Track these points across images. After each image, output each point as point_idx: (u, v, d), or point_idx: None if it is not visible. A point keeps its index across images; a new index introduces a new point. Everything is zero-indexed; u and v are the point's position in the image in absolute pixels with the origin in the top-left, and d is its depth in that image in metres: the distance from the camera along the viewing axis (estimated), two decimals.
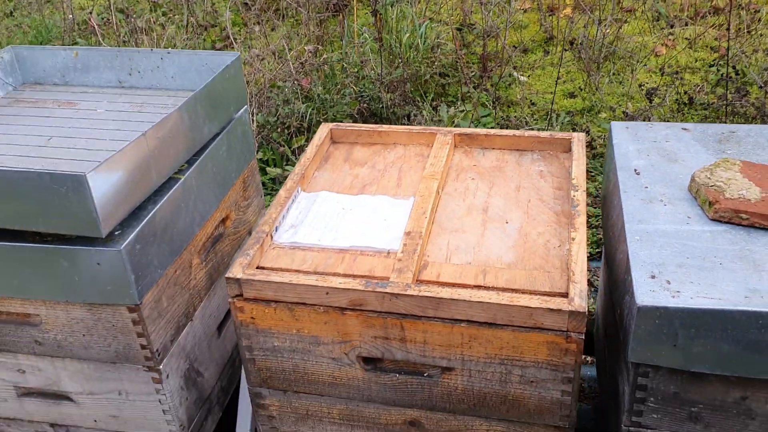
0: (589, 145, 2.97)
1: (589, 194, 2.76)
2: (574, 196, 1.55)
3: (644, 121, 3.00)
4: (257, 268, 1.44)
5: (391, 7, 3.47)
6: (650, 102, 3.09)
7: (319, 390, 1.50)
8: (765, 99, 2.79)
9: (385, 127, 1.88)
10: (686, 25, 3.63)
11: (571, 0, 3.74)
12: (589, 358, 2.24)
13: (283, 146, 2.99)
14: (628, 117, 3.07)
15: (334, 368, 1.45)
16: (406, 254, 1.42)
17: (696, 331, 1.21)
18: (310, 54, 3.23)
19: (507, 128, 3.11)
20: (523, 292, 1.33)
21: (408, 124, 3.11)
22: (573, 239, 1.42)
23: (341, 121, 3.06)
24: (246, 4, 3.98)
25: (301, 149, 2.98)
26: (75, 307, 1.51)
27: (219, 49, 3.78)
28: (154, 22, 3.91)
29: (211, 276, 1.80)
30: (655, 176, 1.54)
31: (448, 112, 3.14)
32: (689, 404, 1.31)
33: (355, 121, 3.08)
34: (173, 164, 1.60)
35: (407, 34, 3.31)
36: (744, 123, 2.85)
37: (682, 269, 1.27)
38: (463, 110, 3.17)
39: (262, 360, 1.48)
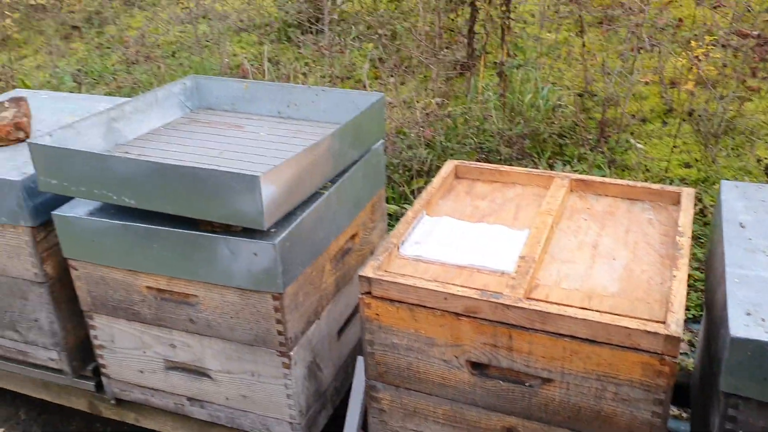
0: (701, 213, 3.04)
1: (696, 259, 2.83)
2: (678, 240, 1.69)
3: None
4: (385, 271, 1.66)
5: (516, 69, 3.71)
6: None
7: (428, 389, 1.68)
8: None
9: (506, 168, 2.08)
10: None
11: (694, 75, 3.84)
12: (684, 414, 2.30)
13: (403, 186, 3.24)
14: None
15: (444, 369, 1.63)
16: (519, 275, 1.60)
17: None
18: (436, 106, 3.49)
19: None
20: (623, 316, 1.47)
21: None
22: (675, 277, 1.55)
23: None
24: (381, 59, 4.33)
25: (420, 190, 3.22)
26: (229, 291, 1.78)
27: None
28: (298, 71, 4.32)
29: (338, 283, 2.04)
30: (760, 231, 1.65)
31: (563, 170, 3.30)
32: None
33: None
34: (320, 181, 1.86)
35: (529, 95, 3.52)
36: None
37: None
38: (578, 170, 3.32)
39: (381, 355, 1.68)
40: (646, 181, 3.31)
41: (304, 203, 1.81)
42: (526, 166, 3.31)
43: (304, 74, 4.33)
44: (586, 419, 1.54)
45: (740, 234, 1.64)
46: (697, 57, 3.70)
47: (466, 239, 1.79)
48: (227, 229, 1.73)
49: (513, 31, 4.05)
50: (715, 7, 4.76)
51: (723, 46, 4.02)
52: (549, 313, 1.47)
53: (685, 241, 1.68)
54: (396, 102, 3.71)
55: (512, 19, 3.68)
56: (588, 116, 3.70)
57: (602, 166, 3.34)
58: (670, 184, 3.21)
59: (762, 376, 1.33)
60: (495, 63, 4.14)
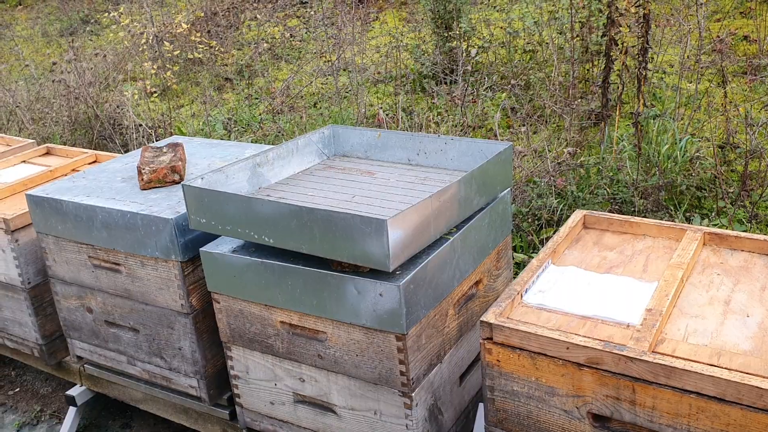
0: None
1: None
2: None
3: None
4: (507, 318, 1.68)
5: (653, 119, 3.63)
6: None
7: None
8: None
9: (636, 219, 2.05)
10: None
11: None
12: None
13: (532, 235, 3.24)
14: None
15: (564, 420, 1.62)
16: (645, 327, 1.57)
17: None
18: (568, 155, 3.48)
19: None
20: (755, 375, 1.41)
21: None
22: None
23: None
24: (513, 109, 4.38)
25: (549, 240, 3.20)
26: (355, 329, 1.86)
27: None
28: (430, 120, 4.45)
29: (461, 328, 2.07)
30: None
31: (701, 223, 3.17)
32: None
33: None
34: (446, 226, 1.92)
35: (666, 146, 3.43)
36: None
37: None
38: (717, 224, 3.18)
39: (501, 401, 1.70)
40: None
41: (429, 248, 1.88)
42: (661, 219, 3.21)
43: (436, 123, 4.46)
44: None
45: None
46: None
47: (591, 290, 1.78)
48: (356, 270, 1.83)
49: (651, 81, 3.97)
50: None
51: None
52: (674, 367, 1.43)
53: None
54: (527, 151, 3.73)
55: (649, 70, 3.62)
56: (729, 169, 3.54)
57: (744, 221, 3.18)
58: None
59: None
60: (631, 113, 4.06)
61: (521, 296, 1.76)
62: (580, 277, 1.84)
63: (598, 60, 4.49)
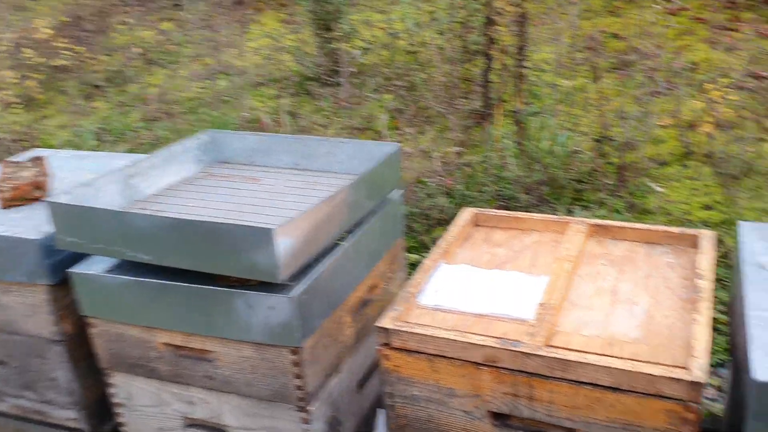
0: (724, 256, 2.99)
1: (722, 303, 2.77)
2: (698, 284, 1.66)
3: None
4: (403, 321, 1.64)
5: (533, 117, 3.73)
6: None
7: None
8: None
9: (523, 214, 2.07)
10: None
11: (711, 117, 3.83)
12: None
13: (424, 236, 3.24)
14: None
15: (465, 421, 1.60)
16: (539, 322, 1.57)
17: None
18: (454, 155, 3.51)
19: None
20: (645, 362, 1.44)
21: None
22: (696, 320, 1.52)
23: None
24: (399, 110, 4.38)
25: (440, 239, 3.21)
26: (245, 346, 1.77)
27: None
28: (316, 123, 4.38)
29: (359, 335, 2.02)
30: None
31: (581, 215, 3.28)
32: None
33: None
34: (338, 231, 1.86)
35: (547, 142, 3.53)
36: None
37: None
38: (598, 215, 3.30)
39: (401, 407, 1.66)
40: (667, 224, 3.27)
41: (321, 255, 1.81)
42: (544, 213, 3.30)
43: (322, 126, 4.39)
44: None
45: (761, 276, 1.61)
46: (713, 100, 3.69)
47: (484, 287, 1.77)
48: (244, 283, 1.73)
49: (528, 79, 4.08)
50: (729, 50, 4.78)
51: (739, 88, 4.02)
52: (569, 360, 1.44)
53: (705, 284, 1.65)
54: (415, 152, 3.73)
55: (527, 68, 3.72)
56: (606, 161, 3.69)
57: (621, 210, 3.32)
58: (692, 227, 3.17)
59: None
60: (512, 111, 4.17)
61: (416, 298, 1.73)
62: (473, 275, 1.83)
63: (478, 60, 4.58)
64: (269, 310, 1.69)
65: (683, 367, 1.41)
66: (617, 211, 3.32)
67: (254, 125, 4.64)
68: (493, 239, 2.02)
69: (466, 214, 2.11)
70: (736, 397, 1.53)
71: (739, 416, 1.47)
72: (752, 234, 1.79)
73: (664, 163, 3.78)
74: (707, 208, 3.36)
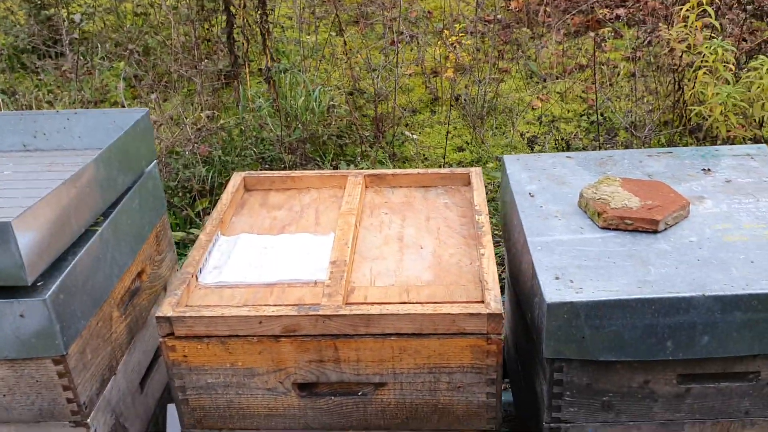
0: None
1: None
2: (478, 219, 1.69)
3: None
4: (186, 306, 1.47)
5: (283, 74, 3.62)
6: (531, 149, 3.36)
7: (255, 424, 1.52)
8: (631, 138, 3.11)
9: (297, 173, 1.97)
10: (557, 80, 3.99)
11: (452, 63, 4.03)
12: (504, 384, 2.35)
13: (186, 210, 3.01)
14: None
15: (269, 399, 1.48)
16: (334, 281, 1.49)
17: (600, 321, 1.35)
18: (206, 120, 3.30)
19: None
20: (444, 302, 1.43)
21: None
22: (483, 255, 1.55)
23: None
24: (136, 77, 4.02)
25: (206, 212, 3.01)
26: None
27: None
28: (41, 100, 3.86)
29: (131, 330, 1.79)
30: (548, 197, 1.71)
31: (348, 169, 3.27)
32: (601, 394, 1.44)
33: None
34: (90, 216, 1.61)
35: (302, 98, 3.45)
36: None
37: (582, 270, 1.42)
38: (362, 167, 3.31)
39: (196, 399, 1.49)
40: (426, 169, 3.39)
41: (74, 246, 1.55)
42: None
43: (49, 102, 3.88)
44: (424, 416, 1.48)
45: (532, 203, 1.69)
46: (452, 45, 3.87)
47: (270, 254, 1.65)
48: None
49: (273, 36, 3.96)
50: None
51: (471, 33, 4.27)
52: (372, 314, 1.39)
53: (484, 219, 1.69)
54: (162, 119, 3.44)
55: (271, 23, 3.58)
56: (362, 114, 3.72)
57: (384, 160, 3.37)
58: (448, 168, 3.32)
59: (580, 335, 1.36)
60: (260, 69, 4.02)
61: (196, 278, 1.56)
62: (255, 243, 1.70)
63: (218, 18, 4.34)
64: (19, 319, 1.41)
65: (479, 302, 1.43)
66: (380, 162, 3.36)
67: None
68: (270, 202, 1.90)
69: (235, 179, 1.95)
70: (524, 322, 1.60)
71: (530, 340, 1.53)
72: (516, 165, 1.87)
73: (415, 111, 3.91)
74: (460, 149, 3.54)
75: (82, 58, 4.12)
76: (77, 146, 1.95)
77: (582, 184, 1.76)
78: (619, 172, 1.80)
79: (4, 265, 1.33)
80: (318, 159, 3.35)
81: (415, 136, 3.63)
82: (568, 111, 3.75)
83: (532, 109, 3.78)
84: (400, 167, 3.40)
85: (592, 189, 1.65)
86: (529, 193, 1.73)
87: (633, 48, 4.03)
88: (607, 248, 1.49)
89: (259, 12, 3.41)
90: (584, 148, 3.29)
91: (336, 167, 3.31)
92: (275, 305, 1.44)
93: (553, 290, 1.36)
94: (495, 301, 1.39)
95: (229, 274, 1.58)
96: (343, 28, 4.26)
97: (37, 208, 1.38)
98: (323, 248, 1.65)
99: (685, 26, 2.96)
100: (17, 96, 3.81)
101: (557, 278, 1.40)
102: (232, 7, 3.27)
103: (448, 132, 3.55)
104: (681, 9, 3.03)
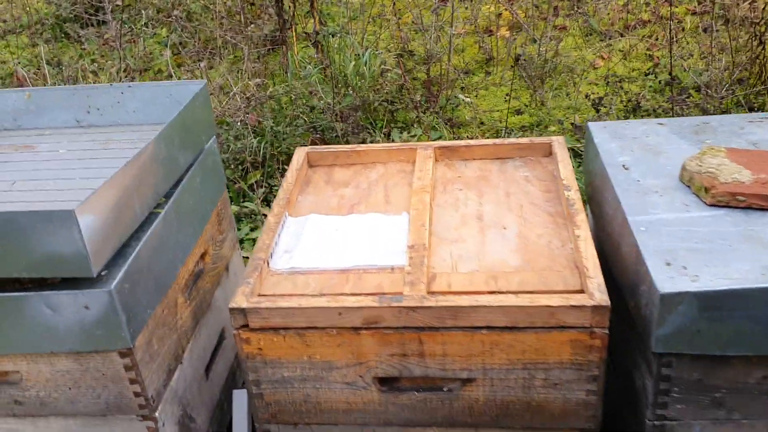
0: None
1: None
2: (568, 195, 1.55)
3: None
4: (260, 296, 1.37)
5: (332, 37, 3.47)
6: (597, 111, 3.18)
7: (332, 419, 1.42)
8: (706, 99, 2.91)
9: (363, 147, 1.84)
10: (619, 37, 3.77)
11: (506, 21, 3.83)
12: None
13: (239, 182, 2.92)
14: (576, 128, 3.14)
15: (348, 393, 1.39)
16: (414, 267, 1.38)
17: (719, 313, 1.21)
18: (256, 88, 3.17)
19: None
20: (539, 292, 1.31)
21: None
22: (578, 237, 1.41)
23: None
24: (181, 44, 3.90)
25: (259, 184, 2.91)
26: (60, 358, 1.40)
27: None
28: (85, 70, 3.78)
29: (196, 315, 1.71)
30: (644, 169, 1.56)
31: (401, 137, 3.13)
32: (713, 390, 1.31)
33: None
34: (153, 198, 1.51)
35: (352, 63, 3.30)
36: None
37: (694, 254, 1.28)
38: (415, 134, 3.17)
39: (271, 393, 1.40)
40: (483, 134, 3.23)
41: (137, 230, 1.46)
42: (363, 140, 3.11)
43: (93, 73, 3.80)
44: (516, 413, 1.37)
45: (627, 177, 1.54)
46: (507, 1, 3.67)
47: (341, 236, 1.54)
48: (42, 283, 1.34)
49: None
50: None
51: None
52: (461, 306, 1.27)
53: (575, 195, 1.55)
54: (210, 89, 3.33)
55: None
56: (412, 77, 3.56)
57: (437, 127, 3.22)
58: (509, 134, 3.16)
59: (695, 328, 1.23)
60: (306, 33, 3.87)
61: (267, 264, 1.46)
62: (324, 225, 1.59)
63: None
64: (83, 311, 1.32)
65: (578, 291, 1.30)
66: (434, 128, 3.21)
67: (8, 83, 3.91)
68: (335, 179, 1.78)
69: (299, 154, 1.84)
70: (624, 311, 1.46)
71: (631, 331, 1.40)
72: (604, 133, 1.71)
73: (468, 72, 3.74)
74: (518, 112, 3.36)
75: (125, 25, 4.02)
76: (132, 121, 1.85)
77: (680, 154, 1.60)
78: (720, 141, 1.64)
79: (68, 255, 1.24)
80: (369, 127, 3.21)
81: (468, 99, 3.46)
82: (632, 70, 3.54)
83: (594, 68, 3.57)
84: (455, 133, 3.25)
85: (696, 161, 1.49)
86: (623, 165, 1.58)
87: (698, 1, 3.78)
88: (719, 228, 1.34)
89: None
90: (654, 111, 3.09)
91: (388, 135, 3.18)
92: (354, 294, 1.33)
93: (665, 278, 1.22)
94: (599, 291, 1.26)
95: (301, 258, 1.47)
96: None
97: (101, 192, 1.29)
98: (396, 229, 1.53)
99: None
100: (62, 67, 3.73)
101: (668, 264, 1.26)
102: None
103: (508, 95, 3.37)
104: None
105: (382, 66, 3.41)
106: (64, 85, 3.61)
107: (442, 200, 1.65)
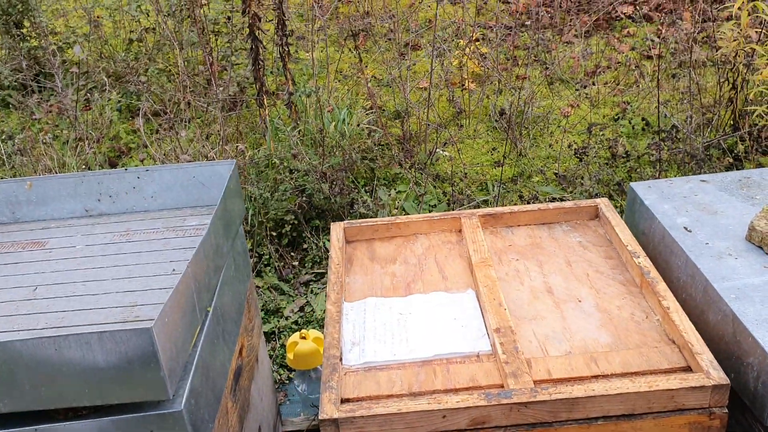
0: None
1: None
2: (638, 263, 1.50)
3: (577, 179, 3.09)
4: (347, 402, 1.24)
5: (307, 97, 3.38)
6: (580, 160, 3.19)
7: None
8: (696, 143, 2.97)
9: (402, 218, 1.75)
10: (582, 84, 3.84)
11: (470, 73, 3.84)
12: None
13: None
14: (560, 177, 3.14)
15: None
16: (509, 355, 1.28)
17: None
18: (235, 153, 3.03)
19: (450, 203, 3.09)
20: (645, 373, 1.24)
21: (351, 213, 2.98)
22: (668, 308, 1.35)
23: (283, 218, 2.88)
24: (138, 109, 3.72)
25: (251, 253, 2.75)
26: None
27: (113, 163, 3.48)
28: (37, 142, 3.53)
29: (241, 418, 1.55)
30: (708, 231, 1.53)
31: (389, 194, 3.05)
32: None
33: (296, 217, 2.91)
34: (208, 297, 1.37)
35: (332, 123, 3.21)
36: (678, 170, 3.01)
37: None
38: (402, 192, 3.10)
39: None
40: (469, 187, 3.19)
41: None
42: (352, 200, 3.01)
43: (45, 144, 3.55)
44: None
45: (694, 240, 1.50)
46: (471, 52, 3.68)
47: (409, 321, 1.43)
48: (98, 409, 1.17)
49: (294, 59, 3.71)
50: (455, 3, 4.88)
51: (476, 40, 4.07)
52: (577, 398, 1.18)
53: (647, 263, 1.50)
54: (179, 155, 3.16)
55: (290, 44, 3.33)
56: (388, 132, 3.50)
57: (420, 181, 3.15)
58: (492, 186, 3.13)
59: None
60: (274, 93, 3.77)
61: (341, 362, 1.33)
62: (385, 308, 1.48)
63: (217, 40, 4.07)
64: None
65: (687, 368, 1.23)
66: (417, 184, 3.15)
67: None
68: (379, 255, 1.67)
69: (336, 231, 1.72)
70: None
71: (739, 408, 1.34)
72: (651, 193, 1.68)
73: (441, 127, 3.71)
74: (497, 164, 3.34)
75: (75, 92, 3.80)
76: (150, 207, 1.70)
77: (736, 213, 1.58)
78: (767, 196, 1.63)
79: (144, 379, 1.09)
80: (353, 186, 3.12)
81: (445, 153, 3.43)
82: (604, 116, 3.60)
83: (564, 116, 3.61)
84: (441, 188, 3.19)
85: (764, 221, 1.47)
86: (684, 227, 1.55)
87: (656, 44, 3.91)
88: None
89: (279, 33, 3.16)
90: (639, 158, 3.13)
91: (374, 194, 3.09)
92: (449, 391, 1.22)
93: None
94: (714, 369, 1.20)
95: (373, 351, 1.35)
96: (344, 43, 4.04)
97: (172, 302, 1.14)
98: (465, 308, 1.44)
99: (737, 23, 2.83)
100: (13, 140, 3.48)
101: None
102: (257, 31, 3.01)
103: (495, 148, 3.35)
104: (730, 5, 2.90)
105: (359, 124, 3.34)
106: (16, 157, 3.36)
107: (502, 272, 1.57)
